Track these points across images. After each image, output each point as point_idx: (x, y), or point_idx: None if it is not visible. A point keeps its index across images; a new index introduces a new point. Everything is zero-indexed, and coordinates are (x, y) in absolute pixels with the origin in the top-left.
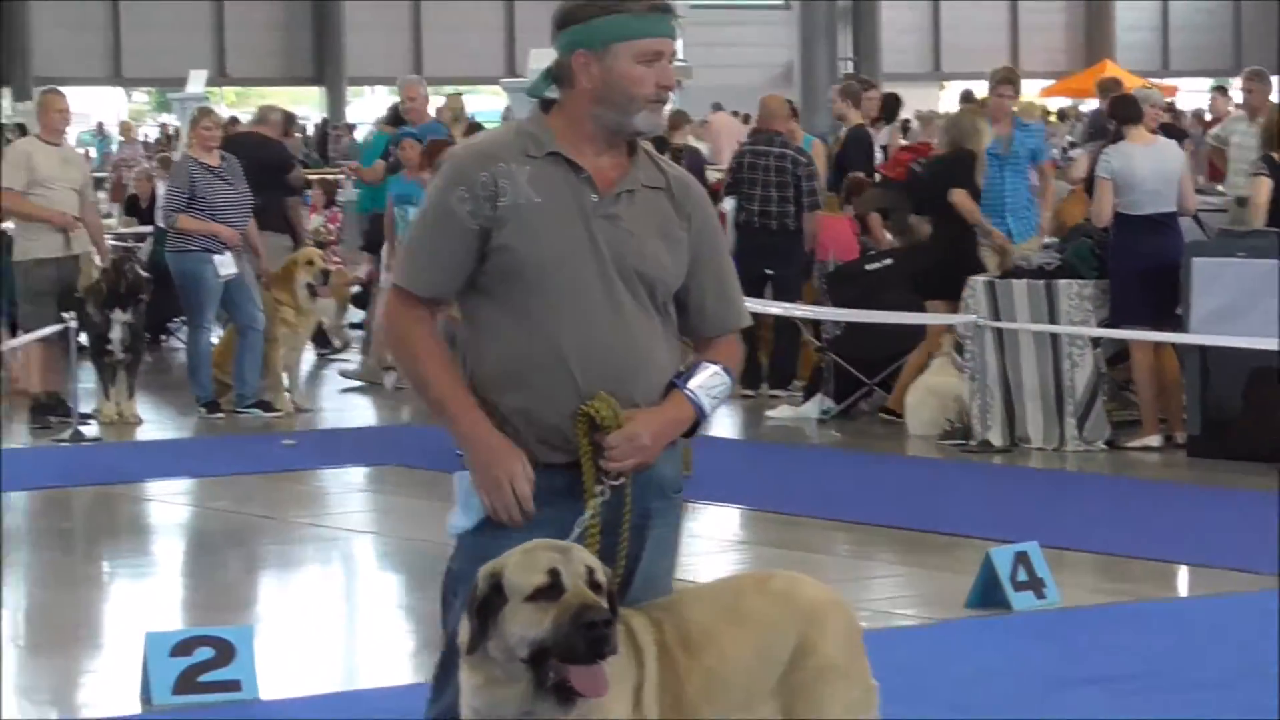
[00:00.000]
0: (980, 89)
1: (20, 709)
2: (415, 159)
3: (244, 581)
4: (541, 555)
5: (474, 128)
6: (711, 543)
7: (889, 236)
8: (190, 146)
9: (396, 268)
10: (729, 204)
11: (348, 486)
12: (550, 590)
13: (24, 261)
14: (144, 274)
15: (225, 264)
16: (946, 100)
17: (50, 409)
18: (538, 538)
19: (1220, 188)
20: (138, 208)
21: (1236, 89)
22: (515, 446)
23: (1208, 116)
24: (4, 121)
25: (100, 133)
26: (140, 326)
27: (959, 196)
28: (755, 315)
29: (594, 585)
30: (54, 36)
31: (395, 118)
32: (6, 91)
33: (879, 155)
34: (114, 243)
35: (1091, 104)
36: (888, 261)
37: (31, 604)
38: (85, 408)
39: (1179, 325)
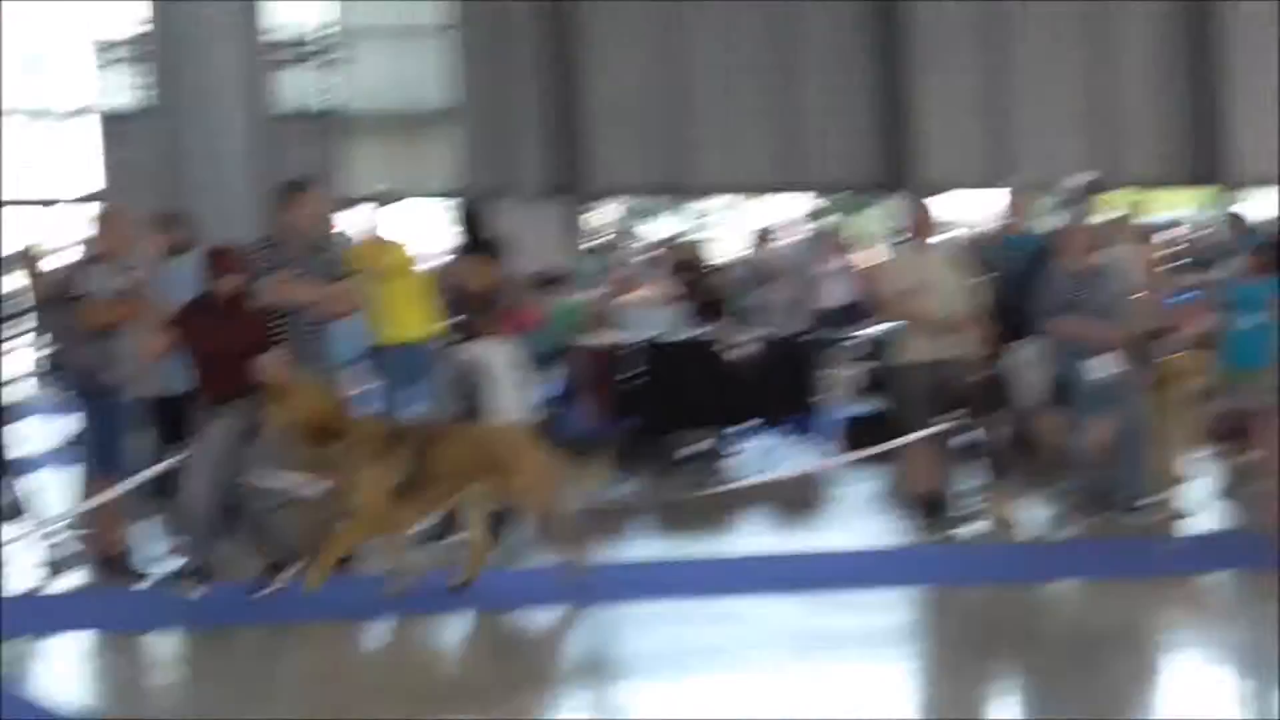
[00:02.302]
0: None
1: None
2: (1255, 266)
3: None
4: None
5: None
6: None
7: None
8: (1062, 251)
9: None
10: None
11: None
12: None
13: (900, 365)
14: (1005, 380)
15: (1100, 365)
16: None
17: (935, 509)
18: None
19: None
20: None
21: None
22: None
23: None
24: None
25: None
26: (1007, 429)
27: None
28: None
29: None
30: (944, 142)
31: None
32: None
33: None
34: None
35: None
36: None
37: (932, 699)
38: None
39: None
